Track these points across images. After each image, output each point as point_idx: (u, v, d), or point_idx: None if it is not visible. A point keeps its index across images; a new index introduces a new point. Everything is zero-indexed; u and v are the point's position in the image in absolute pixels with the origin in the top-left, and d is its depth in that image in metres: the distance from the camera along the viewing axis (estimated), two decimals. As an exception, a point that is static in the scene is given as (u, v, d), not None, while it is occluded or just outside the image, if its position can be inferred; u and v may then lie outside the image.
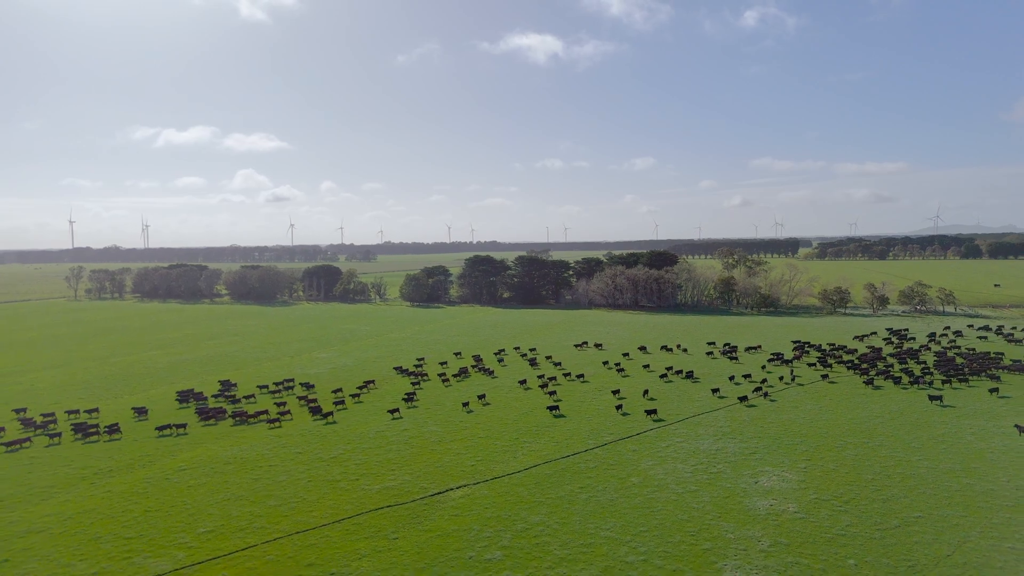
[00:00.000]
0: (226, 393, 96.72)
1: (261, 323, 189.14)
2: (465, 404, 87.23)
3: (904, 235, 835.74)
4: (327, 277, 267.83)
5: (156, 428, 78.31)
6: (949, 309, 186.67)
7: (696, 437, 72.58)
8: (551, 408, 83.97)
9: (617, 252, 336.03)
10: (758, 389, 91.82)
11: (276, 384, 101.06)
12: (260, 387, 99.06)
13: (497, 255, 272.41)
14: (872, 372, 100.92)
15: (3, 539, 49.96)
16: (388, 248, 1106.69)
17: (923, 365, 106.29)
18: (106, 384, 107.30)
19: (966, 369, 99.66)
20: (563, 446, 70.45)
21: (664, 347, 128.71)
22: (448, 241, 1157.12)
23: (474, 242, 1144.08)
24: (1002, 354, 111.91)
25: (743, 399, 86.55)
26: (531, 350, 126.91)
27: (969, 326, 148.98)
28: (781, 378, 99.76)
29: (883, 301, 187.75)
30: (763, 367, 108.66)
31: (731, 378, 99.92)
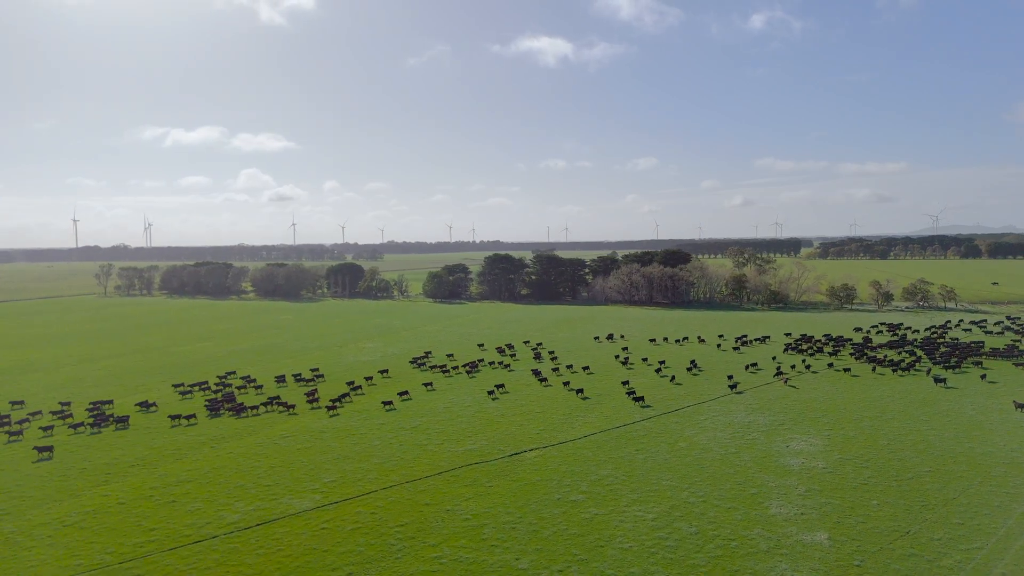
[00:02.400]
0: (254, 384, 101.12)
1: (297, 317, 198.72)
2: (489, 392, 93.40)
3: (904, 235, 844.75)
4: (350, 275, 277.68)
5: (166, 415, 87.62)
6: (950, 305, 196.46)
7: (729, 412, 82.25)
8: (578, 391, 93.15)
9: (623, 252, 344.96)
10: (779, 373, 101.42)
11: (311, 372, 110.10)
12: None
13: (504, 254, 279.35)
14: (873, 362, 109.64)
15: (164, 487, 59.57)
16: (392, 247, 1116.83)
17: (914, 354, 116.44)
18: (178, 370, 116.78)
19: (952, 358, 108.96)
20: (612, 419, 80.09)
21: (678, 340, 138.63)
22: (451, 240, 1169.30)
23: (476, 241, 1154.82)
24: (982, 343, 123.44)
25: (733, 387, 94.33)
26: (539, 344, 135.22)
27: (960, 321, 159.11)
28: (793, 367, 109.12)
29: (887, 297, 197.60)
30: (774, 358, 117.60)
31: (747, 367, 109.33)
